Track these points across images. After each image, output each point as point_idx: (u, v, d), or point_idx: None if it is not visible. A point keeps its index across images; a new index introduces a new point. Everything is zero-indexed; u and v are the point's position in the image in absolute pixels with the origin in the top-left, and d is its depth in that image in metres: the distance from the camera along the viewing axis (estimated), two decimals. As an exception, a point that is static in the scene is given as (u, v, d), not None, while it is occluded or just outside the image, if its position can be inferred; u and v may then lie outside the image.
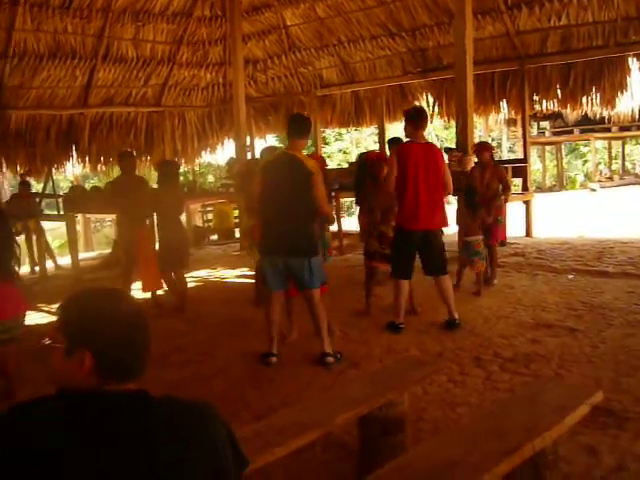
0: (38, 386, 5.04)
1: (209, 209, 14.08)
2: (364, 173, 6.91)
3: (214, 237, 14.10)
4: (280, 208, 5.16)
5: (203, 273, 10.19)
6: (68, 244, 10.95)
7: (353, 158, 24.42)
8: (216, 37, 13.12)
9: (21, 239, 12.62)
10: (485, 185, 7.51)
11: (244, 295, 7.87)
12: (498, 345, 5.41)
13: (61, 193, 12.42)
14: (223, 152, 14.32)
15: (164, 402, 1.59)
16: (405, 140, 6.18)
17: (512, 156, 25.60)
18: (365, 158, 7.26)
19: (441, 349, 5.42)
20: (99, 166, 12.83)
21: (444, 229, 6.18)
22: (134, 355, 1.59)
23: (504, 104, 11.22)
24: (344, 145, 25.73)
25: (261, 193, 5.28)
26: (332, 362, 5.17)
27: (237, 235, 13.12)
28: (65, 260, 11.82)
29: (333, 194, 10.21)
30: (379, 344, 5.66)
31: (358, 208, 7.64)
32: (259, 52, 13.21)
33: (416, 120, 5.91)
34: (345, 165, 18.57)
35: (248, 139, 12.47)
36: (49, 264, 11.33)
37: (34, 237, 11.26)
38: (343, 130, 23.62)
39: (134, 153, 10.02)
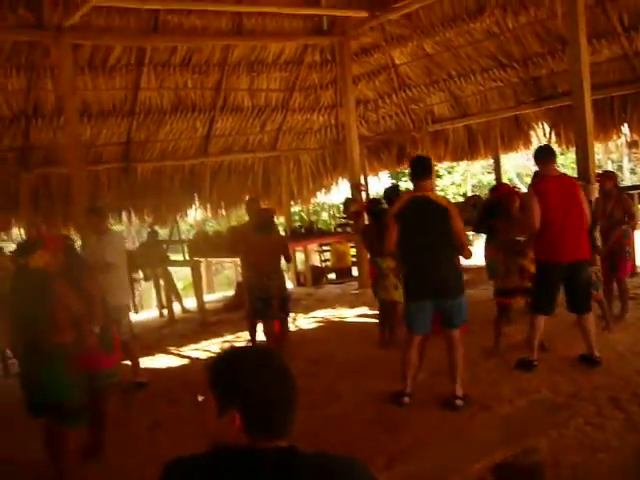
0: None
1: (326, 248, 14.26)
2: (494, 207, 6.86)
3: (332, 276, 14.25)
4: (425, 251, 5.18)
5: (323, 313, 10.30)
6: (193, 288, 11.38)
7: (467, 191, 24.15)
8: (327, 81, 13.42)
9: (148, 284, 13.32)
10: (608, 215, 7.25)
11: (366, 335, 7.90)
12: (636, 383, 5.16)
13: (184, 238, 12.94)
14: (338, 192, 14.52)
15: (313, 458, 1.62)
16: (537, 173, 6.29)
17: (634, 178, 24.51)
18: (496, 192, 7.23)
19: (575, 389, 5.22)
20: (220, 211, 13.30)
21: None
22: (283, 414, 1.64)
23: (625, 128, 10.79)
24: (456, 178, 25.45)
25: (400, 238, 5.27)
26: (461, 405, 5.10)
27: (355, 273, 13.21)
28: (190, 302, 12.29)
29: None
30: (509, 384, 5.52)
31: (484, 243, 7.59)
32: (369, 92, 13.39)
33: (544, 156, 5.94)
34: (460, 199, 18.36)
35: (362, 178, 12.61)
36: (176, 307, 11.82)
37: (161, 282, 11.81)
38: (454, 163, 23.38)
39: (258, 199, 10.27)
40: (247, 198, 9.58)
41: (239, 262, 9.47)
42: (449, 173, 25.04)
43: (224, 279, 23.32)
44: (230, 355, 1.71)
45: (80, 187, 9.08)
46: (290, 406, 1.65)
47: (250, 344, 7.93)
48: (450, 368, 5.25)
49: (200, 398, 1.66)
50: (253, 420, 1.60)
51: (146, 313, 13.09)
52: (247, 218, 8.68)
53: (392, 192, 7.50)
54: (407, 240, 5.24)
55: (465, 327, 5.54)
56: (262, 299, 7.11)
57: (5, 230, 11.12)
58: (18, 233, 11.09)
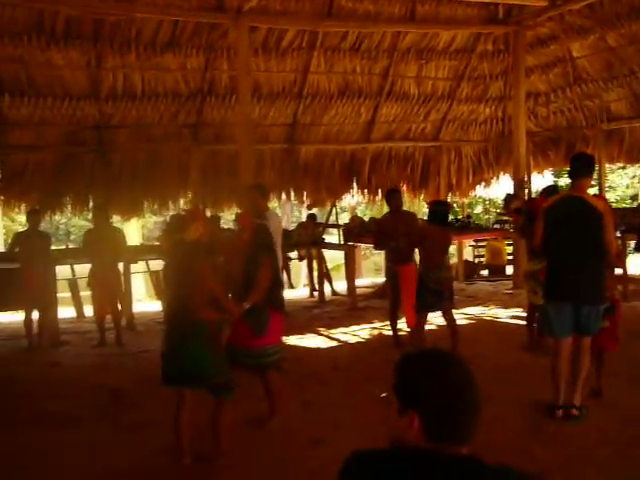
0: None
1: (481, 244, 13.94)
2: None
3: (484, 272, 13.93)
4: (571, 253, 4.98)
5: (474, 310, 10.08)
6: (345, 273, 11.51)
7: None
8: (497, 72, 13.02)
9: (301, 264, 13.64)
10: None
11: (518, 337, 7.65)
12: None
13: (340, 222, 13.09)
14: (498, 187, 14.08)
15: (498, 471, 1.58)
16: None
17: None
18: None
19: None
20: (377, 198, 13.32)
21: None
22: (465, 420, 1.60)
23: None
24: (627, 181, 23.87)
25: (546, 237, 5.13)
26: (577, 415, 4.95)
27: (509, 272, 12.83)
28: (340, 285, 12.46)
29: (619, 235, 9.55)
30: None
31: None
32: (542, 85, 12.84)
33: None
34: (632, 204, 17.33)
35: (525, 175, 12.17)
36: (327, 288, 12.02)
37: (314, 264, 12.06)
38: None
39: (401, 190, 10.11)
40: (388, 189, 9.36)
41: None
42: (619, 176, 23.57)
43: (371, 264, 23.47)
44: (413, 358, 1.70)
45: (247, 164, 9.40)
46: (472, 413, 1.61)
47: (392, 334, 7.94)
48: (573, 375, 5.05)
49: (384, 394, 1.66)
50: (433, 425, 1.58)
51: (296, 291, 13.41)
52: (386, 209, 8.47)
53: (551, 191, 7.18)
54: (553, 239, 5.08)
55: (616, 344, 5.39)
56: (434, 291, 7.05)
57: (175, 202, 11.75)
58: (183, 205, 11.65)
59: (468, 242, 13.88)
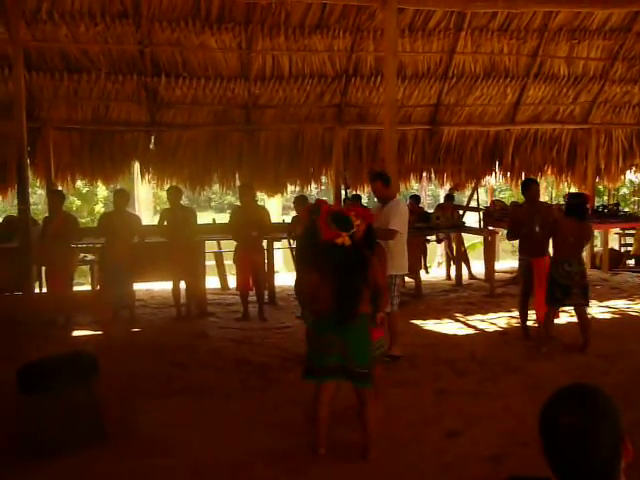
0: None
1: (630, 232, 13.29)
2: None
3: (631, 262, 13.29)
4: None
5: (619, 303, 9.67)
6: (484, 258, 11.34)
7: None
8: (656, 51, 12.28)
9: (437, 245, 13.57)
10: None
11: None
12: None
13: (481, 206, 12.87)
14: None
15: None
16: None
17: None
18: None
19: None
20: (519, 181, 12.98)
21: None
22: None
23: None
24: None
25: None
26: None
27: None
28: (476, 266, 12.31)
29: None
30: None
31: None
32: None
33: None
34: None
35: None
36: (464, 271, 11.91)
37: (454, 246, 11.98)
38: None
39: (537, 181, 9.63)
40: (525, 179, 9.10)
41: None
42: None
43: (509, 246, 22.88)
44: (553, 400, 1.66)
45: (390, 145, 9.42)
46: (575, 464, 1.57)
47: (521, 326, 7.80)
48: None
49: None
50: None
51: (431, 271, 13.36)
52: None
53: None
54: None
55: None
56: (562, 285, 6.89)
57: (317, 180, 12.04)
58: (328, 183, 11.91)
59: (614, 230, 13.27)
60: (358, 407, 4.53)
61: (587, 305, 7.25)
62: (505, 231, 8.61)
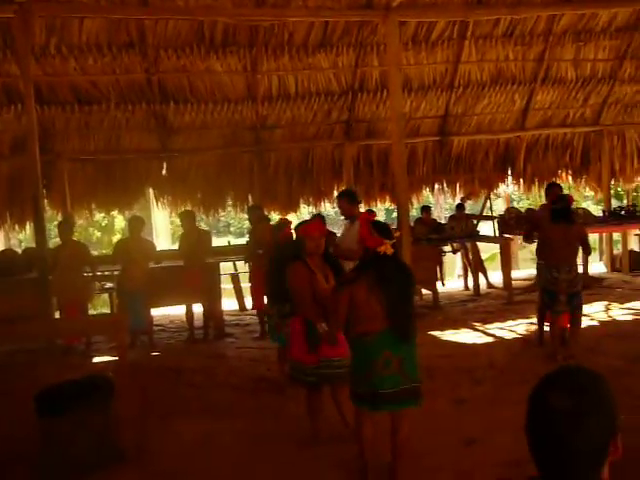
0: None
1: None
2: None
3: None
4: None
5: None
6: (501, 266, 11.25)
7: None
8: (663, 49, 12.21)
9: (454, 256, 13.52)
10: None
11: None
12: None
13: (495, 215, 12.81)
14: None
15: None
16: None
17: None
18: None
19: None
20: (533, 187, 12.94)
21: None
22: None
23: None
24: None
25: None
26: None
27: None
28: (495, 275, 12.22)
29: None
30: None
31: None
32: None
33: None
34: None
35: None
36: (482, 281, 11.83)
37: (470, 255, 11.91)
38: None
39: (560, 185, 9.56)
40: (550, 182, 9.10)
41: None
42: None
43: (528, 254, 22.70)
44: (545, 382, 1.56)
45: (400, 159, 9.43)
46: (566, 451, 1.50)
47: (538, 332, 7.72)
48: None
49: None
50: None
51: (450, 283, 13.30)
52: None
53: None
54: None
55: None
56: (549, 292, 6.88)
57: (329, 197, 12.08)
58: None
59: (634, 231, 13.13)
60: (392, 431, 4.29)
61: (578, 311, 7.06)
62: (521, 238, 8.56)
